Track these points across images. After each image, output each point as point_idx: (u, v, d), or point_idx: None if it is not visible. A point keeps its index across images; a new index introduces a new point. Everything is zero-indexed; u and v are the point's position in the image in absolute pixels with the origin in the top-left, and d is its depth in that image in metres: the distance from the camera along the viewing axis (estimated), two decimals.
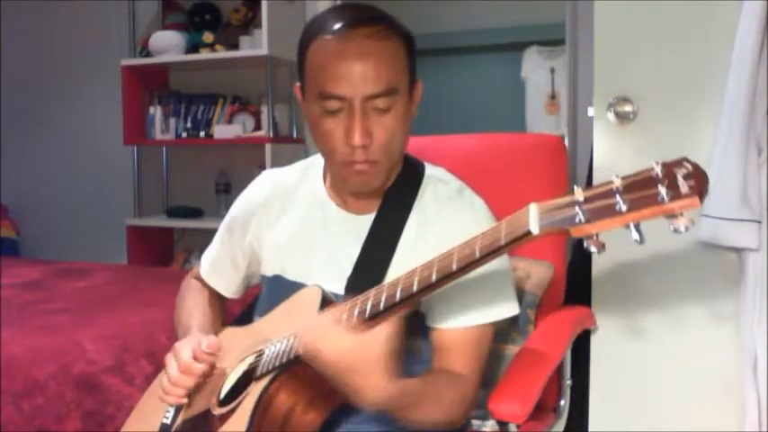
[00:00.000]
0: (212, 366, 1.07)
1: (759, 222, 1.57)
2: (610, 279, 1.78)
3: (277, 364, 0.97)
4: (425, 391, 0.96)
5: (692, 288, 1.71)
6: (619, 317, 1.78)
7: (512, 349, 1.46)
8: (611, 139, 1.76)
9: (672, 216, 0.64)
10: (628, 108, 1.74)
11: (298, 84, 1.09)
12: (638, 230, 0.66)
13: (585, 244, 0.69)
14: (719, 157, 1.59)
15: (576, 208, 0.68)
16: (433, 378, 1.01)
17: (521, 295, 1.51)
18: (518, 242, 0.74)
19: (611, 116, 1.75)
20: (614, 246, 1.83)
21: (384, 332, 0.85)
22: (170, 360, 1.08)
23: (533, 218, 0.72)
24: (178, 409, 1.12)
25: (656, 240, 1.70)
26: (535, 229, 0.71)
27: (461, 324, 1.05)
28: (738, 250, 1.63)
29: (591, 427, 1.82)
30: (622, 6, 1.73)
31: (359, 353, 0.84)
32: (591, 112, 1.80)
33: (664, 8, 1.69)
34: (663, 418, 1.75)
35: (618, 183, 0.67)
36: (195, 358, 1.05)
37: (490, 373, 1.45)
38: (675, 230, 0.65)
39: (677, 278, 1.72)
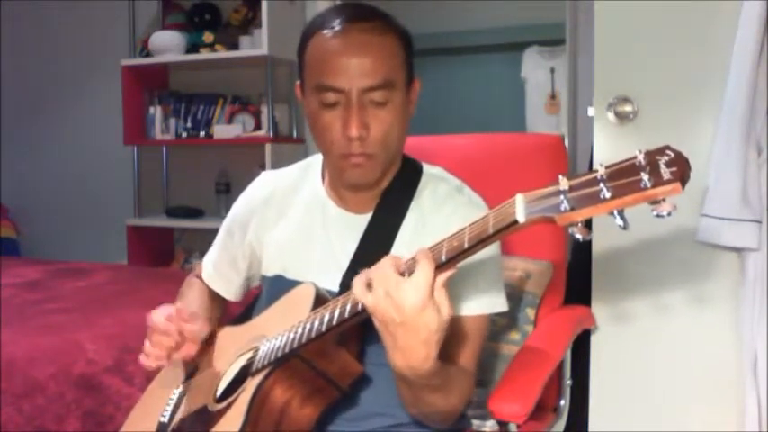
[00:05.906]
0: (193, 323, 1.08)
1: (759, 222, 1.57)
2: (610, 279, 1.78)
3: (273, 359, 0.97)
4: (448, 377, 0.96)
5: (692, 288, 1.71)
6: (619, 317, 1.78)
7: (512, 349, 1.46)
8: (611, 139, 1.76)
9: (655, 202, 0.65)
10: (628, 108, 1.74)
11: (298, 82, 1.11)
12: (622, 217, 0.67)
13: (571, 231, 0.70)
14: (719, 157, 1.60)
15: (561, 197, 0.69)
16: (447, 367, 0.99)
17: (521, 295, 1.51)
18: (505, 231, 0.75)
19: (611, 116, 1.75)
20: (615, 246, 1.83)
21: (446, 304, 0.83)
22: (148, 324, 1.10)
23: (520, 207, 0.73)
24: (175, 407, 1.12)
25: (657, 241, 1.72)
26: (521, 218, 0.72)
27: (461, 312, 1.05)
28: (738, 250, 1.63)
29: (591, 427, 1.82)
30: (622, 6, 1.73)
31: (434, 317, 0.81)
32: (591, 112, 1.80)
33: (664, 8, 1.69)
34: (663, 418, 1.75)
35: (602, 171, 0.68)
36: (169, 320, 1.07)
37: (490, 373, 1.45)
38: (658, 215, 0.65)
39: (677, 278, 1.72)
